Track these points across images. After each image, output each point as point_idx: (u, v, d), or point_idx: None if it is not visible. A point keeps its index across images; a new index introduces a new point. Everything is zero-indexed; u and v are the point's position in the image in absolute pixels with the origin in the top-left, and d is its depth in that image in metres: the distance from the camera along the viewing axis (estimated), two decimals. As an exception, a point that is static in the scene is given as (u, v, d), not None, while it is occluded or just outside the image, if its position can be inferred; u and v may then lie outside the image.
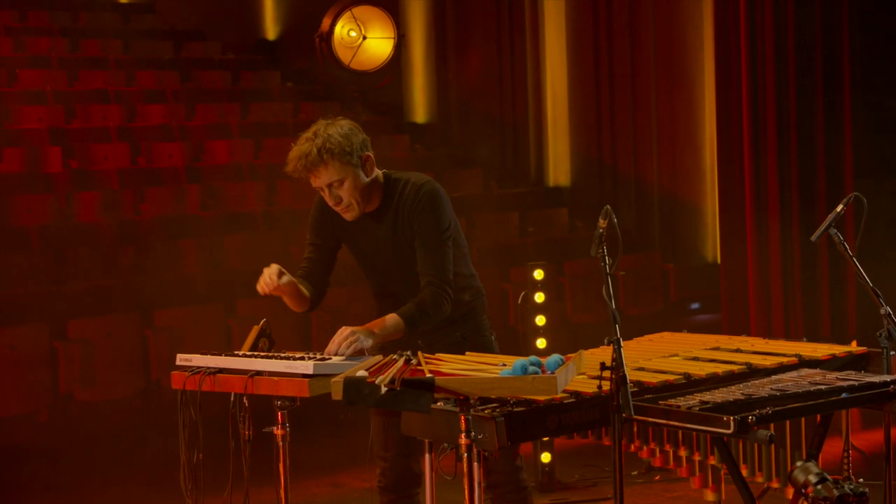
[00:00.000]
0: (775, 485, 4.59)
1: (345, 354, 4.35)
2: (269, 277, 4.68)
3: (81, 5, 15.12)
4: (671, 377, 4.50)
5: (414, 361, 4.09)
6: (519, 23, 13.82)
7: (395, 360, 4.09)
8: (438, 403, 4.02)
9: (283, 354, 4.43)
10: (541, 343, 7.75)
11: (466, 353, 4.48)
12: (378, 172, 4.83)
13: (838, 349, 5.06)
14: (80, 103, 12.38)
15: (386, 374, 3.84)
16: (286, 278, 4.72)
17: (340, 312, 8.74)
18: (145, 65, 13.78)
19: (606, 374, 3.91)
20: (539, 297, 7.82)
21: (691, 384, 4.50)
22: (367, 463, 4.38)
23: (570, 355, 4.14)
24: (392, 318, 4.57)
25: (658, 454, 4.57)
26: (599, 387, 4.06)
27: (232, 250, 10.51)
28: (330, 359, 4.28)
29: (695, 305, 11.89)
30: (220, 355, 4.45)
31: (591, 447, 6.45)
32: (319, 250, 5.02)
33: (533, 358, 3.98)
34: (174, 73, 13.81)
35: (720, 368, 4.66)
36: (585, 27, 13.14)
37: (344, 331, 4.46)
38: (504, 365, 4.03)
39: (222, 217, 11.00)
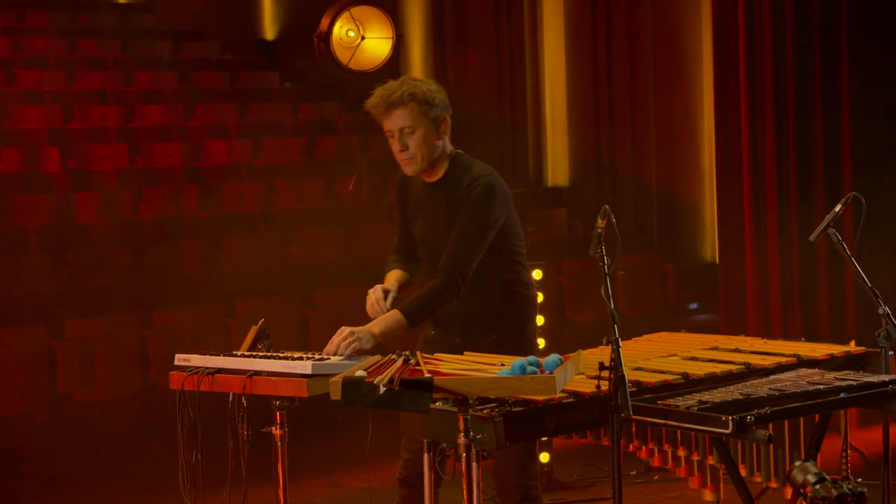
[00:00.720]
0: (774, 485, 4.59)
1: (343, 355, 4.35)
2: (378, 304, 4.69)
3: (79, 6, 15.11)
4: (670, 377, 4.50)
5: (413, 361, 4.09)
6: (517, 23, 13.82)
7: (394, 360, 4.08)
8: (437, 403, 4.02)
9: (281, 354, 4.42)
10: (539, 343, 7.75)
11: (465, 353, 4.48)
12: (451, 147, 4.84)
13: (837, 349, 5.06)
14: (79, 103, 12.38)
15: (384, 373, 3.84)
16: (391, 296, 4.75)
17: (339, 312, 8.74)
18: (144, 65, 13.78)
19: (605, 374, 3.90)
20: (538, 297, 7.82)
21: (690, 384, 4.50)
22: (366, 463, 4.37)
23: (568, 355, 4.14)
24: (394, 316, 4.55)
25: (657, 454, 4.58)
26: (598, 387, 4.05)
27: (230, 250, 10.51)
28: (328, 359, 4.28)
29: (693, 305, 11.88)
30: (219, 355, 4.44)
31: (589, 447, 6.46)
32: (402, 228, 5.04)
33: (531, 358, 3.98)
34: (172, 73, 13.81)
35: (719, 368, 4.66)
36: (584, 27, 13.14)
37: (343, 331, 4.45)
38: (503, 365, 4.03)
39: (221, 217, 11.00)
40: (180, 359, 4.49)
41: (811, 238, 5.10)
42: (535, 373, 3.88)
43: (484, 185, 4.71)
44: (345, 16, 13.13)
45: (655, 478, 7.61)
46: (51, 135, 11.56)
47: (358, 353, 4.39)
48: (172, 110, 12.84)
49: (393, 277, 4.87)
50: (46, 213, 10.37)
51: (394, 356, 4.15)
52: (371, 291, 4.69)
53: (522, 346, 4.72)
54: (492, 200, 4.71)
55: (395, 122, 4.71)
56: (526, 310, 4.94)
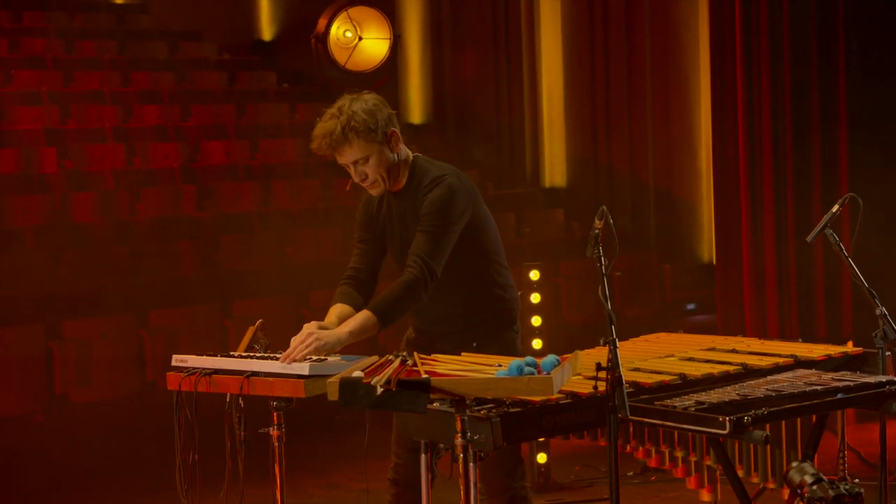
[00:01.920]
0: (771, 485, 4.59)
1: (297, 359, 4.28)
2: (299, 347, 4.40)
3: (77, 6, 15.11)
4: (667, 378, 4.50)
5: (410, 362, 4.09)
6: (515, 24, 13.82)
7: (391, 361, 4.08)
8: (434, 404, 4.01)
9: (278, 355, 4.41)
10: (537, 343, 7.76)
11: (462, 353, 4.48)
12: (408, 152, 4.80)
13: (834, 350, 5.06)
14: (76, 104, 12.37)
15: (382, 374, 3.83)
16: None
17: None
18: (141, 65, 13.78)
19: (602, 374, 3.90)
20: (535, 298, 7.83)
21: (687, 385, 4.50)
22: (363, 463, 4.37)
23: (565, 356, 4.14)
24: (364, 316, 4.49)
25: (654, 455, 4.57)
26: (595, 387, 4.05)
27: (228, 251, 10.51)
28: (326, 359, 4.28)
29: (690, 306, 11.89)
30: (216, 356, 4.44)
31: (587, 448, 6.46)
32: (370, 243, 4.94)
33: (529, 359, 3.98)
34: (170, 73, 13.80)
35: (716, 369, 4.66)
36: (581, 28, 13.14)
37: (306, 328, 4.41)
38: (500, 366, 4.03)
39: (218, 218, 11.00)
40: (177, 359, 4.49)
41: (808, 239, 5.10)
42: (532, 373, 3.88)
43: (443, 184, 4.68)
44: (342, 16, 13.14)
45: (653, 478, 7.61)
46: (48, 135, 11.56)
47: (317, 354, 4.34)
48: (169, 111, 12.84)
49: (334, 314, 4.68)
50: (43, 213, 10.36)
51: (391, 357, 4.14)
52: (305, 326, 4.45)
53: (504, 353, 4.58)
54: (452, 197, 4.66)
55: (345, 158, 4.69)
56: (506, 315, 4.90)
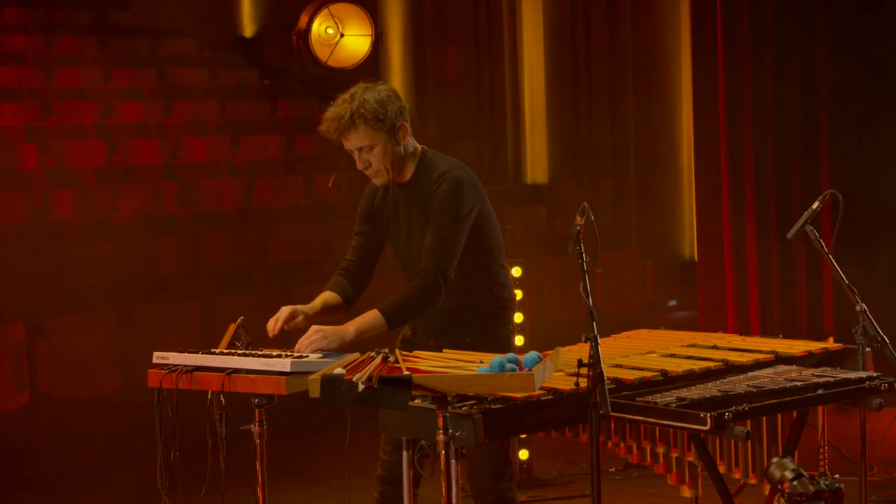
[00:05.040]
0: (752, 481, 4.61)
1: (305, 353, 4.34)
2: (276, 323, 4.62)
3: (57, 2, 15.03)
4: (648, 374, 4.51)
5: (391, 359, 4.09)
6: (497, 20, 13.82)
7: (373, 358, 4.08)
8: (416, 401, 4.02)
9: (260, 352, 4.42)
10: (518, 340, 7.76)
11: (444, 350, 4.48)
12: (416, 145, 4.82)
13: (814, 346, 5.08)
14: (56, 100, 12.32)
15: (363, 371, 3.83)
16: (300, 319, 4.64)
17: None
18: (122, 62, 13.71)
19: (584, 371, 3.91)
20: (517, 295, 7.82)
21: (668, 381, 4.52)
22: (345, 460, 4.37)
23: (547, 352, 4.15)
24: (372, 316, 4.54)
25: (635, 451, 4.58)
26: (577, 384, 4.07)
27: (209, 248, 10.49)
28: (307, 356, 4.28)
29: (672, 303, 11.91)
30: (198, 353, 4.43)
31: (568, 444, 6.47)
32: (369, 236, 4.96)
33: (510, 355, 3.98)
34: (150, 70, 13.75)
35: (697, 365, 4.68)
36: (563, 24, 13.15)
37: (312, 330, 4.48)
38: (481, 362, 4.03)
39: (199, 215, 10.97)
40: (158, 356, 4.48)
41: (789, 235, 5.12)
42: (513, 370, 3.88)
43: (450, 179, 4.70)
44: (324, 13, 13.13)
45: (634, 474, 7.63)
46: (28, 132, 11.51)
47: (323, 351, 4.38)
48: (151, 107, 12.79)
49: (319, 300, 4.76)
50: (24, 210, 10.31)
51: (372, 354, 4.15)
52: (283, 309, 4.60)
53: (497, 351, 4.60)
54: (460, 192, 4.68)
55: (351, 143, 4.71)
56: (503, 313, 4.92)
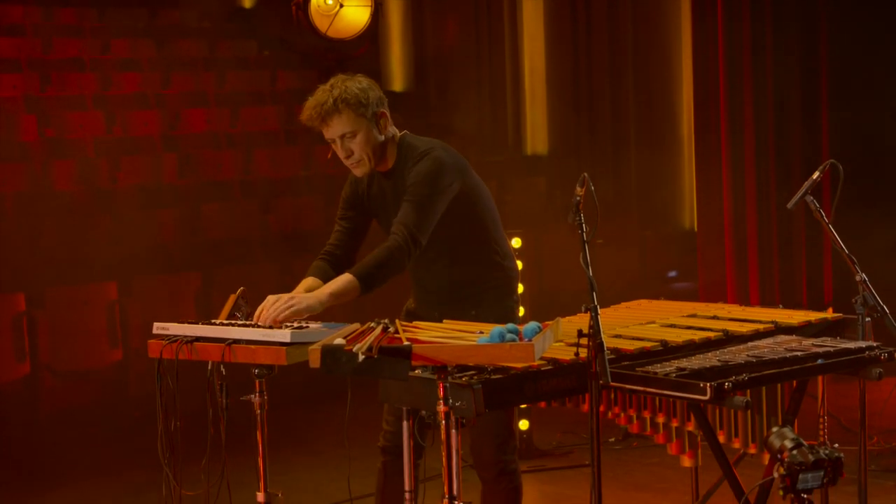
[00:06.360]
0: (752, 450, 4.61)
1: (280, 319, 4.27)
2: (259, 314, 4.42)
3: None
4: (648, 344, 4.52)
5: (392, 329, 4.09)
6: (496, -10, 13.78)
7: (373, 328, 4.08)
8: (416, 371, 4.02)
9: (260, 323, 4.41)
10: (518, 311, 7.75)
11: (444, 321, 4.48)
12: (396, 133, 4.81)
13: (814, 316, 5.09)
14: (56, 71, 12.29)
15: (363, 341, 3.83)
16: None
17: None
18: (120, 33, 13.68)
19: (584, 341, 3.91)
20: (517, 265, 7.82)
21: (668, 351, 4.52)
22: (346, 430, 4.37)
23: (547, 323, 4.15)
24: (345, 279, 4.46)
25: (635, 421, 4.59)
26: (577, 354, 4.07)
27: (209, 219, 10.48)
28: (308, 326, 4.27)
29: (672, 273, 11.90)
30: (198, 324, 4.43)
31: (568, 414, 6.47)
32: (352, 221, 4.97)
33: (510, 325, 3.98)
34: (149, 41, 13.71)
35: (697, 335, 4.68)
36: (563, -6, 13.12)
37: (280, 297, 4.36)
38: (481, 332, 4.03)
39: (199, 185, 10.97)
40: (159, 327, 4.48)
41: (789, 205, 5.11)
42: (513, 340, 3.88)
43: (430, 157, 4.70)
44: (323, -17, 13.06)
45: (634, 444, 7.65)
46: (27, 102, 11.49)
47: (296, 317, 4.33)
48: (149, 78, 12.77)
49: (303, 287, 4.67)
50: (24, 181, 10.31)
51: (373, 324, 4.14)
52: (268, 298, 4.42)
53: (503, 322, 4.64)
54: (439, 169, 4.66)
55: (333, 130, 4.69)
56: (506, 283, 4.94)
